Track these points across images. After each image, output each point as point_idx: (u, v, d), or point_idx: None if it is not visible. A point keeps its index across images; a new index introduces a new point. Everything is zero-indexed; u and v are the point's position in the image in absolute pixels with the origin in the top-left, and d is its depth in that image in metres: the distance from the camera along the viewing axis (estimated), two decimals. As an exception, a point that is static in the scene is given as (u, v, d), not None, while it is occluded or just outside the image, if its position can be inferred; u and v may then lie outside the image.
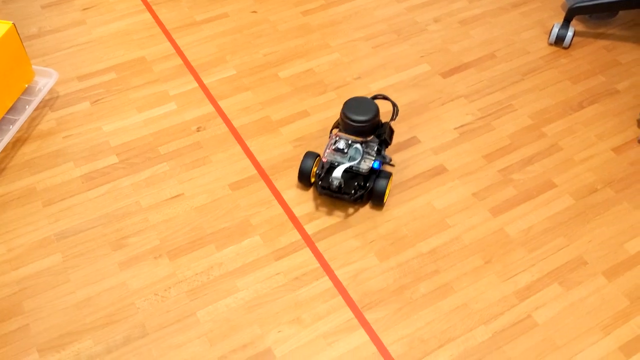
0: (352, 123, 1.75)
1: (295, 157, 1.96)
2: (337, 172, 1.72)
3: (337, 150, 1.78)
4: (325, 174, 1.77)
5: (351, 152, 1.77)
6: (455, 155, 1.98)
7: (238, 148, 1.99)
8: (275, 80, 2.22)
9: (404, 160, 1.96)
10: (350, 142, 1.78)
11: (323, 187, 1.77)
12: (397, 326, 1.58)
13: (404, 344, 1.55)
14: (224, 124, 2.06)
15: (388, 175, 1.79)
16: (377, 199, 1.80)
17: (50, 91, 2.17)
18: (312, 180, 1.85)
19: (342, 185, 1.75)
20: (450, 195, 1.87)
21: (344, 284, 1.66)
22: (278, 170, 1.92)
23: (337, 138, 1.79)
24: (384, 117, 2.04)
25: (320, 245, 1.74)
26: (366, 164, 1.76)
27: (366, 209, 1.82)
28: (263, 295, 1.64)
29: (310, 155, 1.83)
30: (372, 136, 1.79)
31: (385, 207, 1.83)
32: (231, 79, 2.22)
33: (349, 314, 1.60)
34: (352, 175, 1.78)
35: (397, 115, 1.84)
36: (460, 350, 1.54)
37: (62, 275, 1.67)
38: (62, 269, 1.68)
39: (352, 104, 1.77)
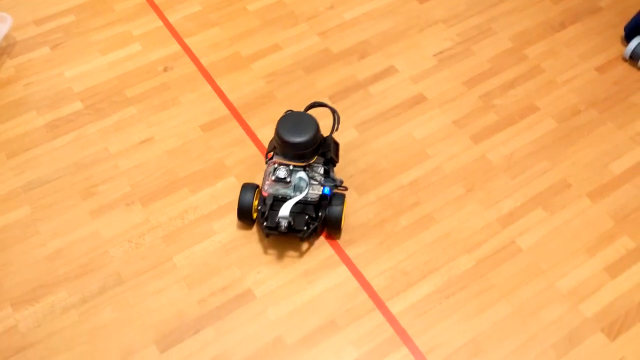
0: (290, 147, 1.47)
1: (269, 94, 1.88)
2: (284, 211, 1.45)
3: (279, 180, 1.50)
4: (269, 211, 1.49)
5: (295, 180, 1.50)
6: (435, 83, 1.90)
7: (208, 87, 1.90)
8: (243, 14, 2.11)
9: (382, 91, 1.88)
10: (292, 168, 1.51)
11: (269, 228, 1.49)
12: (379, 260, 1.55)
13: (387, 277, 1.52)
14: (192, 63, 1.96)
15: (342, 199, 1.54)
16: (333, 227, 1.55)
17: (6, 37, 2.05)
18: (255, 216, 1.57)
19: (292, 223, 1.49)
20: (430, 124, 1.81)
21: (324, 220, 1.62)
22: (251, 108, 1.85)
23: (276, 166, 1.51)
24: (325, 129, 1.67)
25: (298, 183, 1.69)
26: (315, 192, 1.50)
27: (344, 144, 1.76)
28: (241, 237, 1.59)
29: (249, 188, 1.55)
30: (315, 157, 1.52)
31: (363, 140, 1.77)
32: (197, 15, 2.11)
33: (329, 250, 1.57)
34: (301, 206, 1.51)
35: (338, 124, 1.55)
36: (444, 280, 1.51)
37: (31, 227, 1.61)
38: (31, 221, 1.62)
39: (287, 123, 1.48)
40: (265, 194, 1.52)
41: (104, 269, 1.54)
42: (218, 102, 1.86)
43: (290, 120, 1.50)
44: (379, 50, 1.99)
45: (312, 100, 1.78)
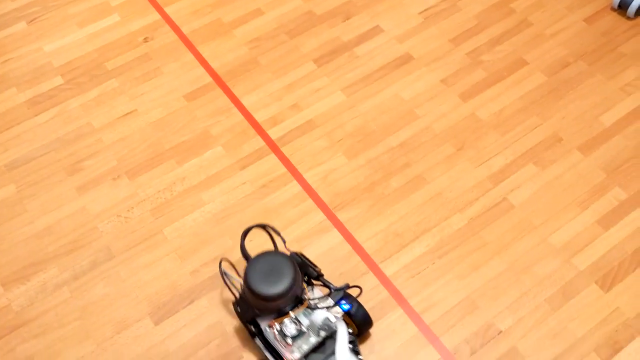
0: (278, 298, 1.21)
1: (252, 60, 1.84)
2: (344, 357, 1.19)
3: (296, 337, 1.23)
4: None
5: (308, 323, 1.24)
6: (421, 41, 1.87)
7: (190, 56, 1.86)
8: (223, -20, 2.06)
9: (367, 52, 1.85)
10: (295, 318, 1.24)
11: None
12: (371, 223, 1.54)
13: (379, 240, 1.51)
14: (173, 32, 1.92)
15: (356, 301, 1.29)
16: (366, 327, 1.33)
17: (-19, 14, 2.00)
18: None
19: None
20: (417, 84, 1.78)
21: (314, 186, 1.60)
22: (235, 76, 1.81)
23: (280, 326, 1.24)
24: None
25: (286, 150, 1.66)
26: (334, 317, 1.23)
27: (331, 108, 1.73)
28: (231, 206, 1.57)
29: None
30: (303, 290, 1.28)
31: (351, 103, 1.74)
32: (176, -18, 2.05)
33: (320, 216, 1.55)
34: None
35: (284, 240, 1.33)
36: (437, 240, 1.50)
37: (18, 206, 1.59)
38: (18, 199, 1.60)
39: (257, 276, 1.21)
40: (293, 358, 1.23)
41: (93, 245, 1.52)
42: (201, 70, 1.82)
43: (258, 271, 1.22)
44: (364, 11, 1.95)
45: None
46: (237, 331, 1.39)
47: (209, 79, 1.80)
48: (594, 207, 1.53)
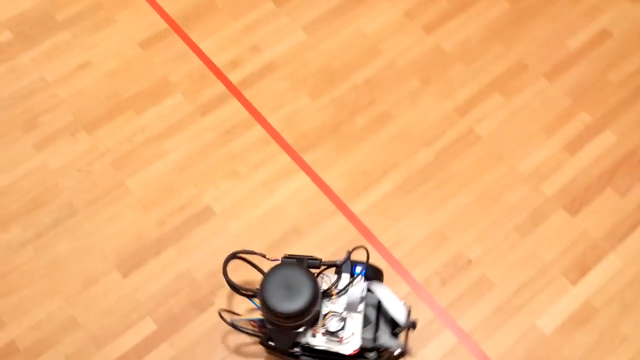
0: (309, 311, 1.12)
1: (209, 3, 1.76)
2: (399, 311, 1.14)
3: (344, 327, 1.15)
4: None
5: (342, 309, 1.17)
6: (382, -26, 1.81)
7: (142, 2, 1.78)
8: None
9: (327, -11, 1.79)
10: (331, 312, 1.17)
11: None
12: (337, 163, 1.52)
13: (346, 179, 1.49)
14: (123, -22, 1.84)
15: (363, 262, 1.20)
16: (381, 279, 1.24)
17: None
18: None
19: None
20: (380, 19, 1.72)
21: (278, 129, 1.57)
22: (191, 20, 1.74)
23: (325, 328, 1.15)
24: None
25: (248, 93, 1.62)
26: (359, 287, 1.16)
27: (292, 48, 1.68)
28: (194, 154, 1.54)
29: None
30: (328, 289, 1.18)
31: (312, 42, 1.69)
32: None
33: (286, 158, 1.53)
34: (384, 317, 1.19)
35: (263, 255, 1.23)
36: (404, 176, 1.49)
37: (-26, 167, 1.55)
38: (-27, 160, 1.56)
39: (277, 298, 1.11)
40: (355, 350, 1.14)
41: (55, 201, 1.49)
42: (155, 16, 1.75)
43: (277, 295, 1.11)
44: (322, -54, 1.87)
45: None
46: (207, 278, 1.38)
47: (164, 24, 1.74)
48: (560, 133, 1.52)
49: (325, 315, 1.15)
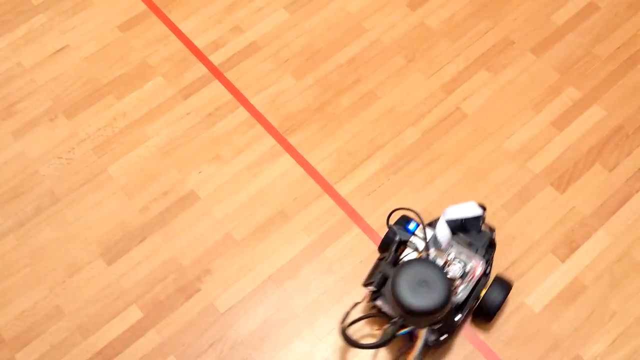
0: (448, 301, 1.14)
1: (189, -17, 1.72)
2: (443, 230, 1.21)
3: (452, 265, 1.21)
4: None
5: (453, 255, 1.22)
6: (365, -50, 1.77)
7: (120, -17, 1.74)
8: None
9: (309, -33, 1.74)
10: (449, 259, 1.22)
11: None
12: (323, 144, 1.49)
13: (332, 161, 1.47)
14: (100, -42, 1.79)
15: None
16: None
17: None
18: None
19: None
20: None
21: (262, 111, 1.54)
22: (170, 1, 1.70)
23: (453, 276, 1.20)
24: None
25: (230, 75, 1.59)
26: (441, 230, 1.22)
27: (274, 28, 1.65)
28: (176, 138, 1.51)
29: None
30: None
31: (295, 21, 1.65)
32: None
33: (270, 141, 1.50)
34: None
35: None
36: (391, 156, 1.47)
37: (-49, 156, 1.51)
38: (-50, 150, 1.52)
39: (414, 298, 1.12)
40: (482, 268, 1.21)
41: (36, 189, 1.46)
42: (134, -2, 1.71)
43: (413, 293, 1.12)
44: None
45: None
46: (193, 263, 1.36)
47: (142, 6, 1.69)
48: (548, 109, 1.50)
49: (443, 267, 1.19)
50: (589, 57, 1.56)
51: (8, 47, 1.65)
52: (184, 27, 1.65)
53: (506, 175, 1.43)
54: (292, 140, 1.50)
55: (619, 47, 1.57)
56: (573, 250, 1.34)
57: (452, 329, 1.19)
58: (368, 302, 1.23)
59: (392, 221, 1.33)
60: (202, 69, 1.59)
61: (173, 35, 1.65)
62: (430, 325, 1.16)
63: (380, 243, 1.28)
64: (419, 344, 1.16)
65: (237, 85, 1.57)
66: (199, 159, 1.48)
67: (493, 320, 1.27)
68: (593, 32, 1.59)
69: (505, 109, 1.51)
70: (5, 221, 1.43)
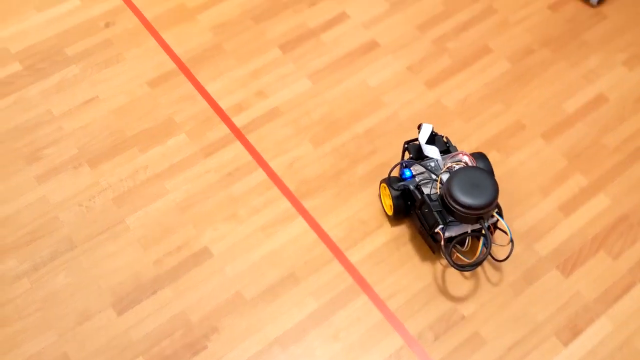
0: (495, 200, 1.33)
1: (217, 46, 1.81)
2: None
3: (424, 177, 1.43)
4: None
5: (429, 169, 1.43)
6: (387, 28, 1.86)
7: (153, 42, 1.82)
8: (187, -36, 2.02)
9: (334, 39, 1.83)
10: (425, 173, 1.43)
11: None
12: (337, 210, 1.54)
13: (345, 228, 1.51)
14: (135, 17, 1.88)
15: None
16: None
17: None
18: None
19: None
20: (384, 71, 1.77)
21: (279, 174, 1.59)
22: (199, 62, 1.78)
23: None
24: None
25: (251, 137, 1.65)
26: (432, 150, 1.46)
27: (297, 95, 1.72)
28: (194, 194, 1.56)
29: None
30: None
31: (316, 91, 1.73)
32: (138, -34, 2.01)
33: (286, 204, 1.55)
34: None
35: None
36: (401, 227, 1.51)
37: (-25, 196, 1.55)
38: (-26, 189, 1.56)
39: (467, 194, 1.31)
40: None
41: (54, 235, 1.49)
42: (164, 56, 1.79)
43: (466, 190, 1.32)
44: (330, -3, 1.93)
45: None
46: (201, 320, 1.38)
47: (172, 65, 1.77)
48: (555, 194, 1.55)
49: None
50: (597, 147, 1.62)
51: (40, 94, 1.72)
52: (210, 88, 1.73)
53: (513, 255, 1.47)
54: (307, 204, 1.55)
55: (626, 139, 1.63)
56: (576, 334, 1.37)
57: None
58: (444, 245, 1.35)
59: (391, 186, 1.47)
60: (224, 130, 1.65)
61: (199, 95, 1.72)
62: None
63: (394, 210, 1.44)
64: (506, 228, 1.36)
65: (258, 147, 1.63)
66: (215, 216, 1.52)
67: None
68: (601, 122, 1.66)
69: (515, 191, 1.56)
70: (21, 264, 1.45)
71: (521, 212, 1.52)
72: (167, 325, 1.38)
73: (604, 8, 1.89)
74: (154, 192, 1.56)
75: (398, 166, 1.48)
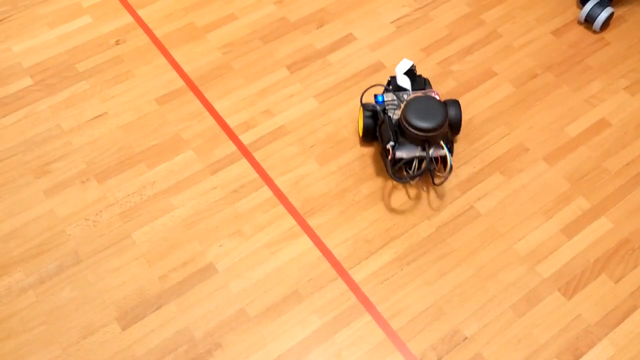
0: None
1: (225, 65, 1.84)
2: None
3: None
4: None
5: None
6: (393, 50, 1.89)
7: (162, 59, 1.85)
8: (197, -16, 2.05)
9: (340, 60, 1.86)
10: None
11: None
12: (341, 229, 1.55)
13: (349, 246, 1.53)
14: (145, 35, 1.91)
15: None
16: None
17: (-52, 12, 1.96)
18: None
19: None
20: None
21: (285, 192, 1.61)
22: (207, 80, 1.81)
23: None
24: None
25: (258, 155, 1.67)
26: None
27: (303, 114, 1.74)
28: (201, 211, 1.57)
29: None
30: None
31: (323, 110, 1.75)
32: (149, -15, 2.05)
33: (291, 221, 1.56)
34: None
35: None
36: (405, 247, 1.52)
37: (-17, 208, 1.57)
38: (-17, 202, 1.58)
39: (416, 117, 1.51)
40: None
41: (60, 248, 1.51)
42: (173, 74, 1.82)
43: (417, 113, 1.51)
44: (337, 18, 1.96)
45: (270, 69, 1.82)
46: (205, 336, 1.39)
47: (181, 82, 1.80)
48: (558, 216, 1.57)
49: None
50: (599, 171, 1.64)
51: (49, 109, 1.74)
52: (218, 106, 1.75)
53: (515, 277, 1.48)
54: (312, 222, 1.56)
55: (627, 164, 1.65)
56: (577, 357, 1.37)
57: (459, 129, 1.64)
58: (392, 164, 1.53)
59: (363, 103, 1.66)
60: (231, 147, 1.68)
61: (207, 112, 1.74)
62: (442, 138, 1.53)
63: (363, 129, 1.63)
64: (447, 156, 1.53)
65: (264, 165, 1.65)
66: (221, 233, 1.54)
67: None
68: (604, 147, 1.68)
69: (517, 213, 1.57)
70: (27, 277, 1.46)
71: (524, 234, 1.54)
72: (171, 340, 1.39)
73: (607, 34, 1.92)
74: (161, 207, 1.57)
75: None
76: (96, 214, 1.56)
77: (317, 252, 1.52)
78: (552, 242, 1.53)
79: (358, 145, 1.68)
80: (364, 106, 1.62)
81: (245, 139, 1.69)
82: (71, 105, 1.75)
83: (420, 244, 1.53)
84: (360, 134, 1.65)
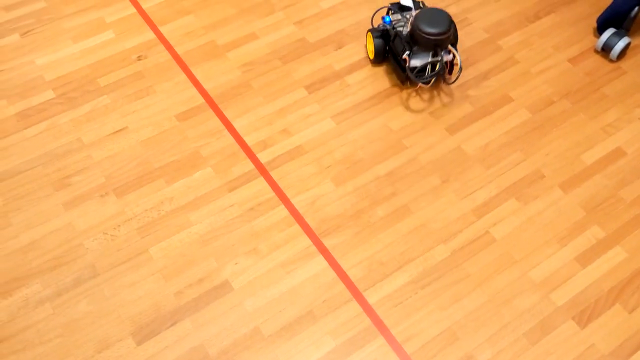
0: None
1: (245, 84, 1.86)
2: None
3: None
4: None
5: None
6: (411, 73, 1.91)
7: (183, 76, 1.88)
8: (219, 2, 2.08)
9: (358, 82, 1.88)
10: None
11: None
12: (356, 250, 1.56)
13: (363, 268, 1.53)
14: (167, 51, 1.94)
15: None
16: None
17: (-26, 24, 2.00)
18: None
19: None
20: (406, 115, 1.81)
21: (301, 211, 1.62)
22: (227, 98, 1.83)
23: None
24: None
25: (275, 174, 1.68)
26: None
27: (320, 135, 1.76)
28: (218, 228, 1.59)
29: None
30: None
31: (340, 131, 1.77)
32: (172, 2, 2.07)
33: (306, 241, 1.57)
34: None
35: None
36: (420, 270, 1.53)
37: (3, 219, 1.58)
38: (3, 212, 1.60)
39: (427, 25, 1.72)
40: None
41: (78, 261, 1.52)
42: (194, 91, 1.84)
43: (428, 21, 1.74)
44: (356, 40, 1.99)
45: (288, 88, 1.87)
46: (219, 354, 1.40)
47: (201, 100, 1.82)
48: (573, 244, 1.57)
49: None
50: (614, 200, 1.65)
51: (70, 122, 1.77)
52: (237, 124, 1.77)
53: (530, 304, 1.48)
54: (327, 243, 1.57)
55: (643, 193, 1.66)
56: (591, 387, 1.37)
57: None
58: (410, 73, 1.76)
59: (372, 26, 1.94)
60: (249, 165, 1.69)
61: (226, 130, 1.76)
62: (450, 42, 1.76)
63: (375, 51, 1.86)
64: (457, 57, 1.80)
65: (281, 184, 1.66)
66: (237, 250, 1.55)
67: None
68: (619, 175, 1.69)
69: (532, 239, 1.58)
70: (45, 289, 1.48)
71: (539, 261, 1.54)
72: (185, 357, 1.40)
73: (623, 63, 1.94)
74: (178, 223, 1.59)
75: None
76: (114, 228, 1.57)
77: (332, 273, 1.52)
78: (567, 270, 1.53)
79: (374, 168, 1.70)
80: (372, 29, 1.84)
81: (263, 157, 1.71)
82: (92, 119, 1.78)
83: (435, 268, 1.53)
84: (371, 57, 1.89)
